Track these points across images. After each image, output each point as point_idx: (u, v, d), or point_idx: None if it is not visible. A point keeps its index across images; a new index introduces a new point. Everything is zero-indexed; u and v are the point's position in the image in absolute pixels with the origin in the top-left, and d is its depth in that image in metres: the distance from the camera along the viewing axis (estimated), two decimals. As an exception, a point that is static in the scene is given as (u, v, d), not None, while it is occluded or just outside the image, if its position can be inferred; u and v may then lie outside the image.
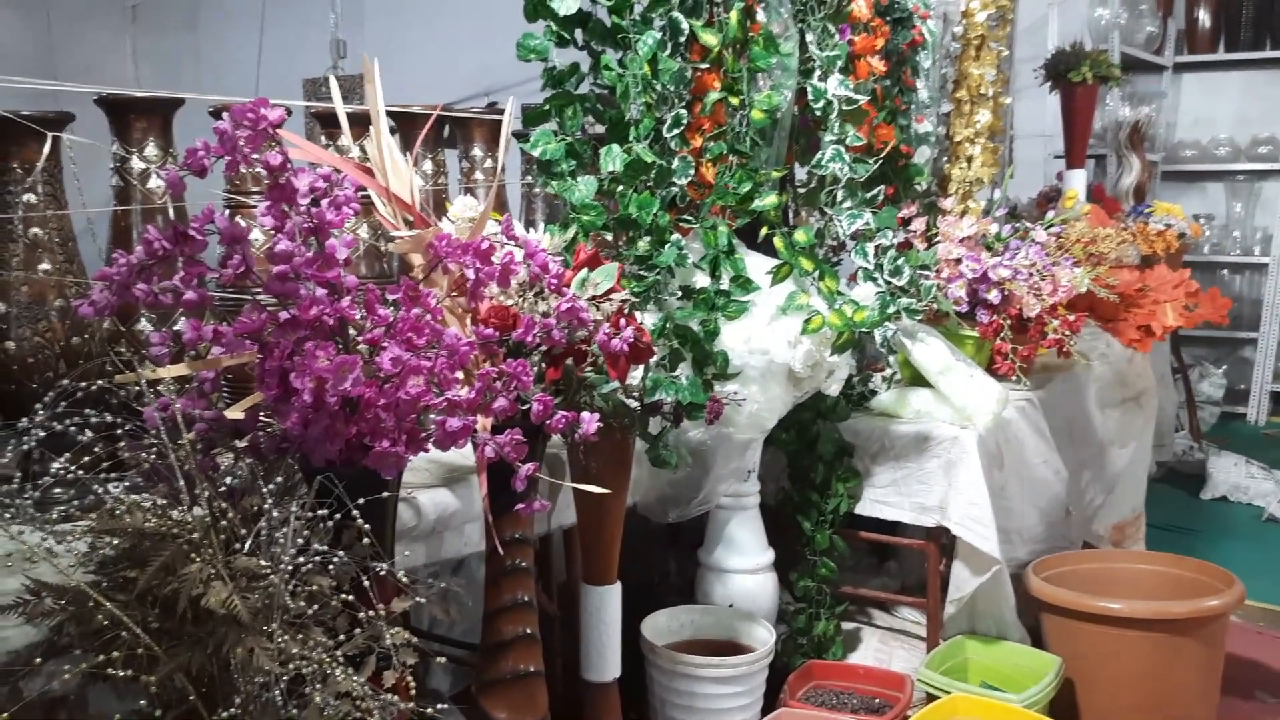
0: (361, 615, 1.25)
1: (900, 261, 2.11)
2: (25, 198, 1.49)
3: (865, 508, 2.29)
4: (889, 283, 2.09)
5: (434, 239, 1.30)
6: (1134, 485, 3.11)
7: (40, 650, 1.16)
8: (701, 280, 1.92)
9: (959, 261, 2.46)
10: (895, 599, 2.48)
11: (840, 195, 2.14)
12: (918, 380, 2.33)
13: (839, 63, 2.13)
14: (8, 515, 1.17)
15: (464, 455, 1.69)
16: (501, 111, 2.38)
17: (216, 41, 6.27)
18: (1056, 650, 2.22)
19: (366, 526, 1.19)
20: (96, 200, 1.68)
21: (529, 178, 2.40)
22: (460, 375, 1.22)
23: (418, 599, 1.31)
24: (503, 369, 1.25)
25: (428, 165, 2.11)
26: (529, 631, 1.55)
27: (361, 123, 1.81)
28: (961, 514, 2.16)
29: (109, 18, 6.72)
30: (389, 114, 1.88)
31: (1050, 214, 3.08)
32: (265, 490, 1.25)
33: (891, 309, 2.01)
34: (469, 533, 1.73)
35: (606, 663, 1.80)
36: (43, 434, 1.25)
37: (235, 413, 1.37)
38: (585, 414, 1.27)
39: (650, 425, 1.72)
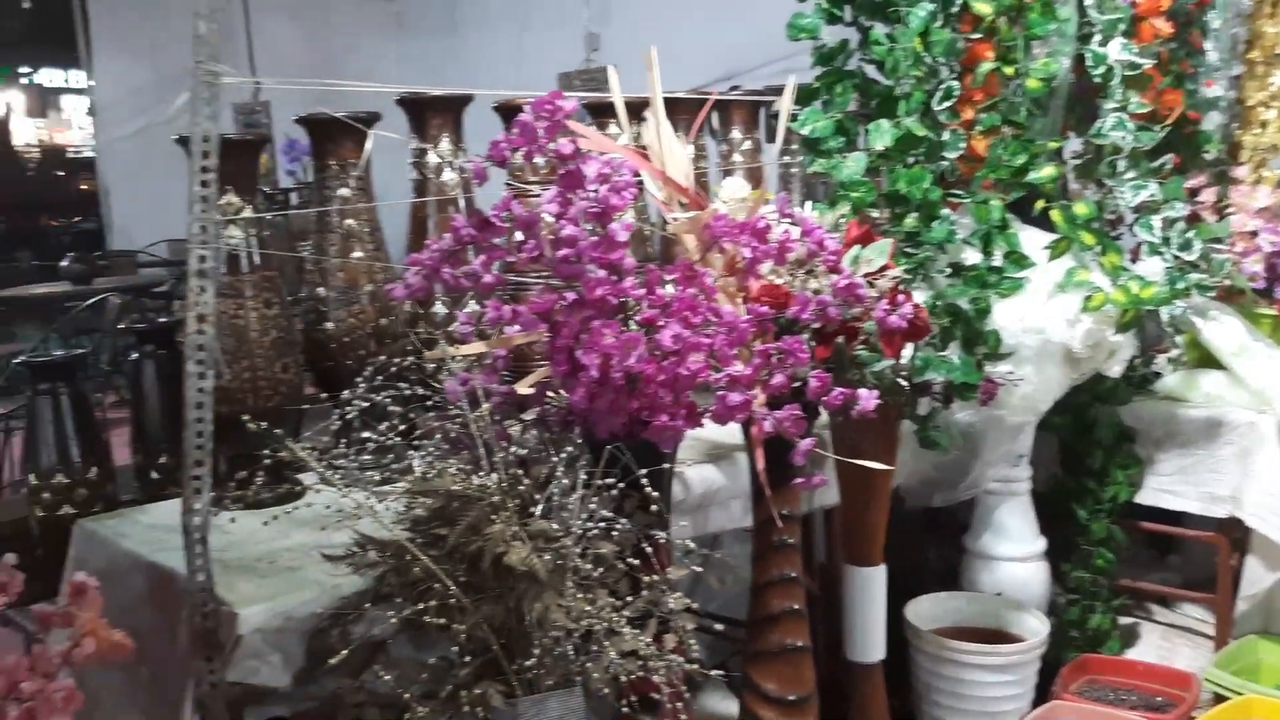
0: (645, 580, 1.31)
1: (1190, 235, 1.97)
2: (341, 192, 1.65)
3: (1146, 497, 2.16)
4: (1177, 257, 1.97)
5: (711, 219, 1.34)
6: None
7: (367, 598, 1.29)
8: (972, 256, 1.87)
9: (1255, 234, 2.27)
10: (1179, 594, 2.32)
11: (1122, 166, 2.03)
12: (1206, 361, 2.18)
13: (1121, 26, 2.01)
14: (336, 476, 1.30)
15: (728, 432, 1.72)
16: (754, 93, 2.41)
17: (475, 42, 6.61)
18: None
19: (655, 494, 1.24)
20: (394, 193, 1.83)
21: (786, 157, 2.41)
22: (737, 352, 1.25)
23: (695, 568, 1.36)
24: (780, 345, 1.27)
25: (689, 150, 2.16)
26: (796, 607, 1.57)
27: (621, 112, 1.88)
28: (1257, 505, 2.01)
29: (378, 25, 7.22)
30: (646, 101, 1.94)
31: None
32: (555, 459, 1.34)
33: (1182, 285, 1.89)
34: (733, 508, 1.76)
35: (872, 644, 1.79)
36: (363, 405, 1.39)
37: (525, 388, 1.47)
38: (863, 391, 1.27)
39: (919, 405, 1.69)
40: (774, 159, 2.33)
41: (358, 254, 1.66)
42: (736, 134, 2.20)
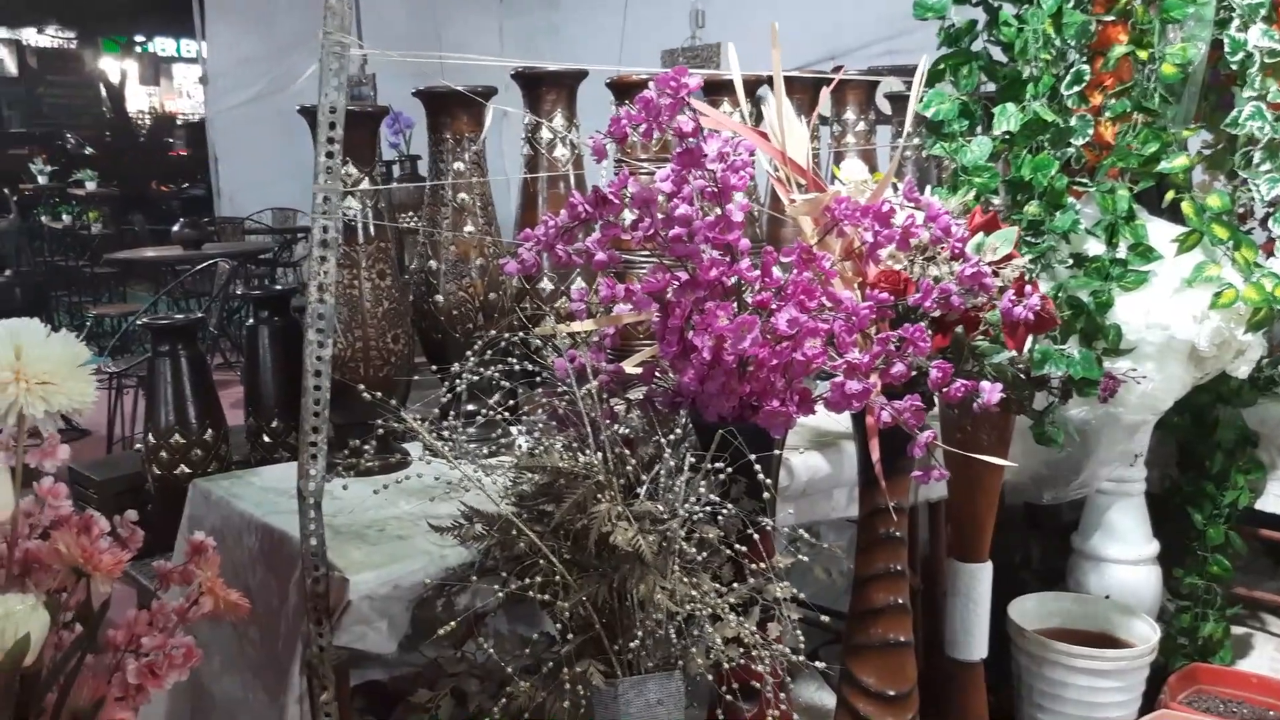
0: (752, 567, 1.29)
1: (1330, 231, 1.87)
2: (455, 165, 1.65)
3: (1267, 503, 2.07)
4: (1315, 255, 1.86)
5: (832, 202, 1.31)
6: None
7: (471, 570, 1.30)
8: (1095, 248, 1.80)
9: (1399, 232, 2.14)
10: (1298, 607, 2.23)
11: (1258, 158, 1.92)
12: (1340, 366, 2.07)
13: (1262, 11, 1.91)
14: (445, 448, 1.31)
15: (834, 420, 1.70)
16: (864, 74, 2.36)
17: (578, 18, 6.60)
18: None
19: (767, 481, 1.22)
20: (503, 168, 1.83)
21: (899, 140, 2.35)
22: (855, 339, 1.22)
23: (802, 557, 1.34)
24: (901, 334, 1.24)
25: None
26: (900, 601, 1.53)
27: (726, 91, 1.86)
28: (1390, 519, 1.91)
29: (481, 1, 7.26)
30: (756, 80, 1.91)
31: None
32: (663, 440, 1.32)
33: (1319, 284, 1.79)
34: (836, 497, 1.73)
35: (974, 642, 1.75)
36: (473, 378, 1.40)
37: (632, 367, 1.46)
38: (986, 383, 1.23)
39: (1035, 400, 1.64)
40: (887, 141, 2.28)
41: (469, 228, 1.66)
42: (850, 115, 2.15)
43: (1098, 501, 2.00)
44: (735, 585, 1.27)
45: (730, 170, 1.28)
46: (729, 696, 1.23)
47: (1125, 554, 1.97)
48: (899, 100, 2.28)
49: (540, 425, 1.37)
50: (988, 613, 1.75)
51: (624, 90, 1.82)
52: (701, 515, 1.27)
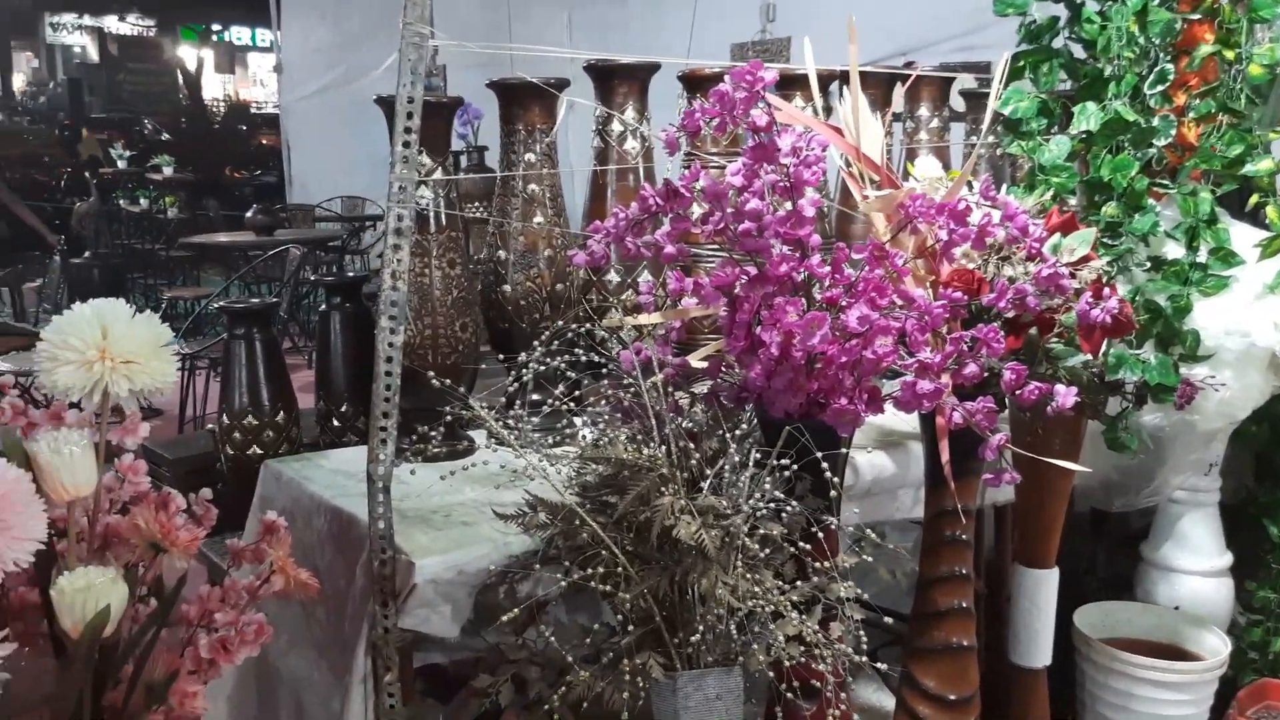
0: (817, 565, 1.29)
1: None
2: (527, 157, 1.66)
3: (1347, 518, 2.01)
4: (1406, 263, 1.80)
5: (907, 199, 1.29)
6: None
7: (534, 558, 1.31)
8: (1173, 251, 1.76)
9: None
10: (1376, 626, 2.16)
11: (1348, 161, 1.87)
12: None
13: (1358, 8, 1.85)
14: (512, 437, 1.32)
15: (901, 419, 1.68)
16: (938, 70, 2.32)
17: (646, 10, 6.59)
18: None
19: (835, 480, 1.21)
20: (572, 160, 1.84)
21: (973, 138, 2.32)
22: (928, 338, 1.21)
23: (866, 557, 1.33)
24: (975, 334, 1.22)
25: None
26: (964, 605, 1.51)
27: (798, 85, 1.84)
28: None
29: (550, -7, 7.27)
30: (829, 75, 1.89)
31: None
32: (728, 435, 1.32)
33: None
34: (902, 498, 1.72)
35: (1038, 649, 1.73)
36: (539, 368, 1.41)
37: (698, 361, 1.46)
38: (1061, 387, 1.21)
39: (1109, 405, 1.61)
40: (960, 138, 2.25)
41: (538, 219, 1.67)
42: (924, 111, 2.12)
43: (1170, 510, 1.95)
44: (798, 583, 1.26)
45: (803, 165, 1.27)
46: (790, 695, 1.23)
47: (1197, 565, 1.93)
48: (973, 97, 2.24)
49: (605, 417, 1.38)
50: (1053, 619, 1.72)
51: (696, 83, 1.82)
52: (765, 512, 1.26)
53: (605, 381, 1.44)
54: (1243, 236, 1.78)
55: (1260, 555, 2.01)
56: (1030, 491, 1.71)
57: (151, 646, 1.01)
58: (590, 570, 1.24)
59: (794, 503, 1.28)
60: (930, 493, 1.52)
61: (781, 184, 1.28)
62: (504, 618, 1.22)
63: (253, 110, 15.46)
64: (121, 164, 8.57)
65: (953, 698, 1.51)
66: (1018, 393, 1.21)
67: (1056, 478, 1.64)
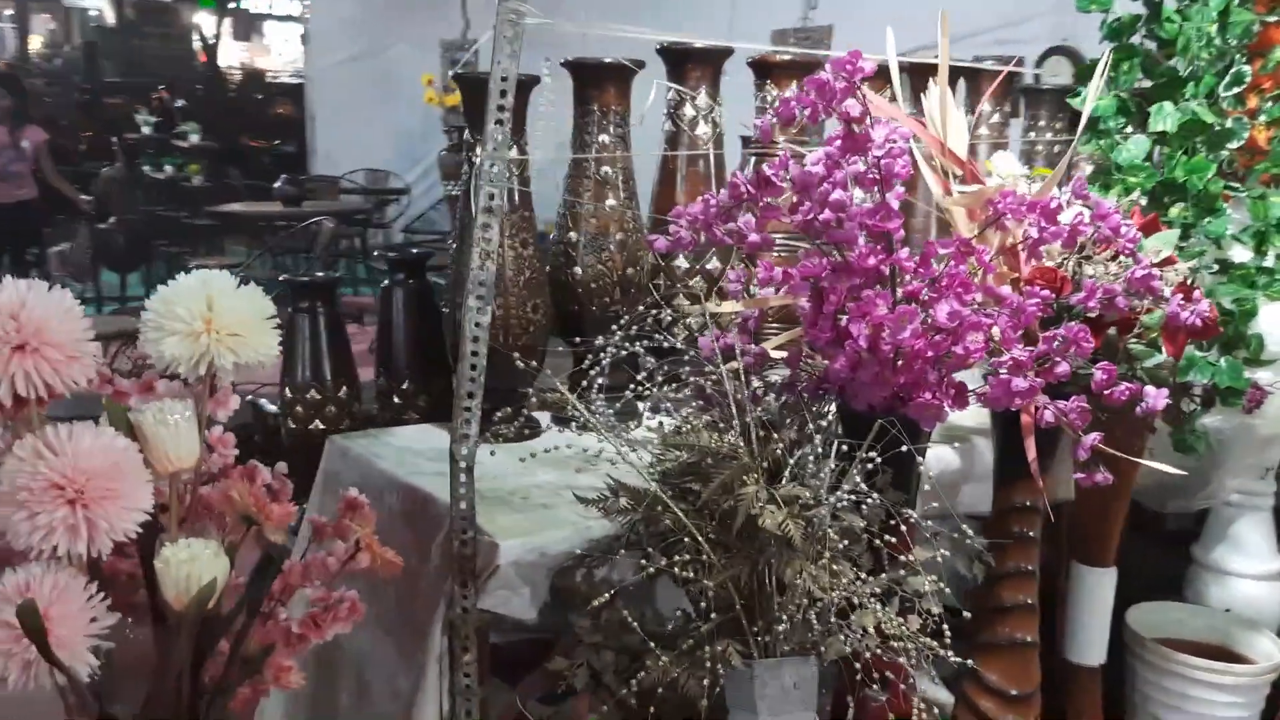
0: (898, 558, 1.29)
1: None
2: (601, 138, 1.65)
3: (1399, 526, 2.01)
4: None
5: (997, 195, 1.29)
6: None
7: (612, 543, 1.31)
8: (1239, 254, 1.75)
9: None
10: None
11: None
12: None
13: None
14: (596, 418, 1.32)
15: (964, 414, 1.68)
16: (1007, 62, 2.30)
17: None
18: None
19: (928, 473, 1.21)
20: (647, 144, 1.82)
21: (1031, 134, 2.31)
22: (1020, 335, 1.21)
23: (943, 551, 1.33)
24: (1064, 333, 1.22)
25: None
26: (1030, 601, 1.52)
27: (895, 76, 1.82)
28: None
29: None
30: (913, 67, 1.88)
31: None
32: (809, 426, 1.32)
33: None
34: (966, 493, 1.71)
35: (1094, 647, 1.73)
36: (619, 352, 1.41)
37: (775, 350, 1.45)
38: (1150, 389, 1.21)
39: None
40: (1020, 134, 2.24)
41: (611, 201, 1.67)
42: (987, 106, 2.11)
43: (1223, 514, 1.95)
44: (882, 575, 1.26)
45: (892, 158, 1.26)
46: (872, 685, 1.23)
47: (1250, 568, 1.93)
48: (1033, 93, 2.23)
49: (686, 404, 1.38)
50: (1109, 618, 1.72)
51: (766, 70, 1.81)
52: (846, 503, 1.26)
53: (685, 368, 1.44)
54: (1312, 241, 1.77)
55: (1310, 560, 2.00)
56: (1093, 491, 1.71)
57: (252, 620, 1.01)
58: (674, 557, 1.24)
59: (876, 495, 1.28)
60: (999, 488, 1.52)
61: (870, 176, 1.27)
62: (596, 602, 1.22)
63: (268, 79, 15.36)
64: (147, 130, 8.55)
65: (1015, 693, 1.52)
66: (1106, 393, 1.21)
67: (1121, 477, 1.64)
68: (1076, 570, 1.72)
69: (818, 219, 1.30)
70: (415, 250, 1.85)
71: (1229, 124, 1.69)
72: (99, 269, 5.84)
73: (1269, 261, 1.74)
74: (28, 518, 0.87)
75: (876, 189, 1.27)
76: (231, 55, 16.95)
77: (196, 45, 15.66)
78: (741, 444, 1.29)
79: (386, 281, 1.80)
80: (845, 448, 1.30)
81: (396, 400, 1.77)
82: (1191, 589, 1.99)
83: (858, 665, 1.26)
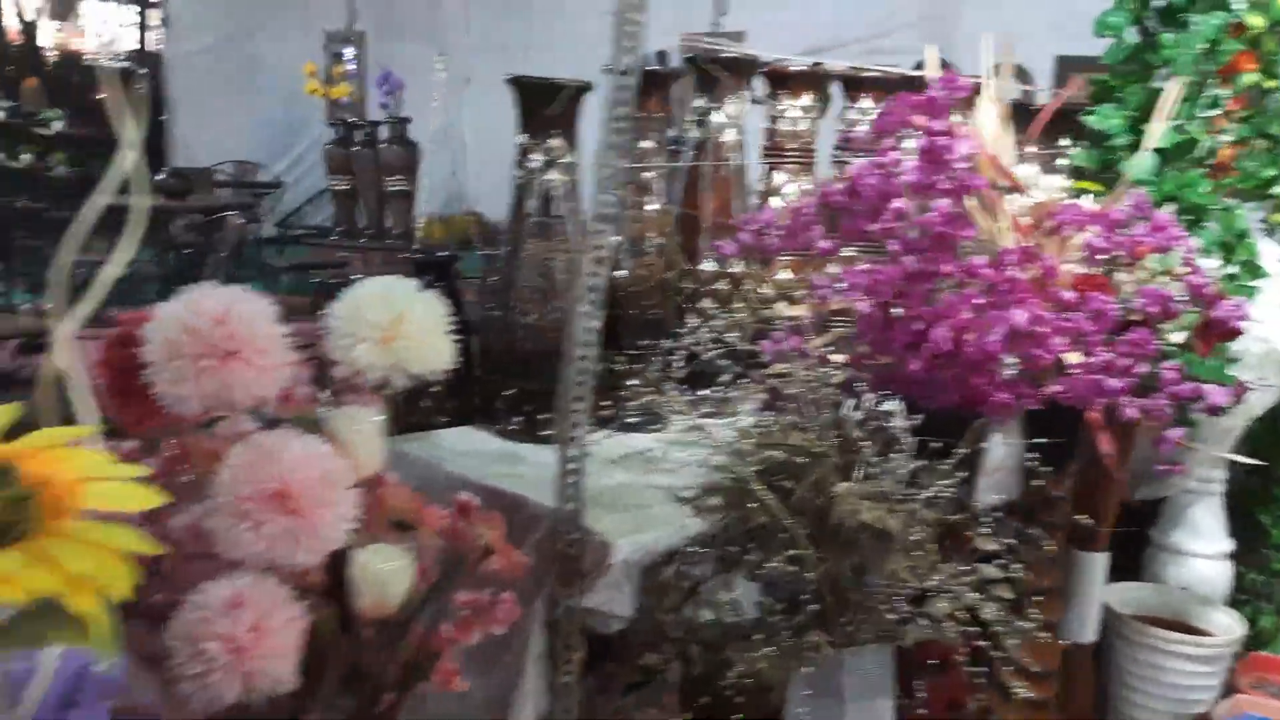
0: (974, 549, 1.38)
1: None
2: (642, 143, 1.68)
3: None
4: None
5: (1058, 207, 1.39)
6: None
7: (713, 541, 1.35)
8: (1206, 263, 1.93)
9: None
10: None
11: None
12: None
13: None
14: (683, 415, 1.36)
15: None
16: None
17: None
18: None
19: (1043, 467, 1.30)
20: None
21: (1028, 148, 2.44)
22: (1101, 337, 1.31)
23: (1007, 541, 1.43)
24: (1130, 338, 1.32)
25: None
26: (1055, 587, 1.64)
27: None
28: None
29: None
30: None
31: None
32: (890, 426, 1.39)
33: None
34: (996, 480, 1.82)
35: (1087, 627, 1.87)
36: (685, 355, 1.45)
37: (823, 346, 1.52)
38: (1210, 387, 1.33)
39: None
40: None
41: (651, 206, 1.70)
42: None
43: (1180, 499, 2.13)
44: (975, 564, 1.35)
45: (971, 171, 1.35)
46: (966, 670, 1.31)
47: (1204, 549, 2.11)
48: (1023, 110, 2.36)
49: (755, 404, 1.43)
50: (1100, 598, 1.86)
51: (780, 79, 1.87)
52: (933, 499, 1.34)
53: (742, 369, 1.49)
54: (1269, 252, 1.96)
55: (1252, 541, 2.21)
56: (1088, 478, 1.85)
57: (435, 624, 1.01)
58: (774, 554, 1.29)
59: (949, 490, 1.36)
60: (1032, 481, 1.62)
61: (948, 187, 1.35)
62: (700, 593, 1.26)
63: (85, 62, 14.30)
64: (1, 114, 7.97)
65: (1037, 670, 1.63)
66: (1175, 390, 1.33)
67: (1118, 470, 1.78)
68: (1073, 555, 1.85)
69: (897, 227, 1.37)
70: (443, 253, 1.84)
71: (1207, 143, 1.85)
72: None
73: (1233, 269, 1.91)
74: (252, 528, 0.85)
75: (949, 199, 1.35)
76: (46, 36, 15.68)
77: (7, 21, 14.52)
78: (829, 443, 1.35)
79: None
80: (916, 444, 1.38)
81: (424, 404, 1.76)
82: (1149, 569, 2.16)
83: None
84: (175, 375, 0.84)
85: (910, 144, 1.39)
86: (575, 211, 1.61)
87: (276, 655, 0.87)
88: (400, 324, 0.97)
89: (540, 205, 1.59)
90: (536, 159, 1.57)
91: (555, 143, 1.56)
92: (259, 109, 8.23)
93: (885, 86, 1.96)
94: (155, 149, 8.86)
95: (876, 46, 5.10)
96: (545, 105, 1.56)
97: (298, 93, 7.22)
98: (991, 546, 1.41)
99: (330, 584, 0.97)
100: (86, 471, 0.59)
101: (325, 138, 6.09)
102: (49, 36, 15.94)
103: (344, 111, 6.76)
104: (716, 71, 1.77)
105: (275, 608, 0.88)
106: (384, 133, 5.83)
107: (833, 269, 1.51)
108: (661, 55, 3.08)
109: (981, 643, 1.35)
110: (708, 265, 1.80)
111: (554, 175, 1.57)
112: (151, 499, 0.60)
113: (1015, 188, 1.52)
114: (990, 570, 1.38)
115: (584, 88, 1.59)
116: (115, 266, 0.75)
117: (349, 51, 7.10)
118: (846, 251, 1.60)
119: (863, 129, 1.95)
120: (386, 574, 0.94)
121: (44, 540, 0.53)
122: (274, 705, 0.87)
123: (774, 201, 1.88)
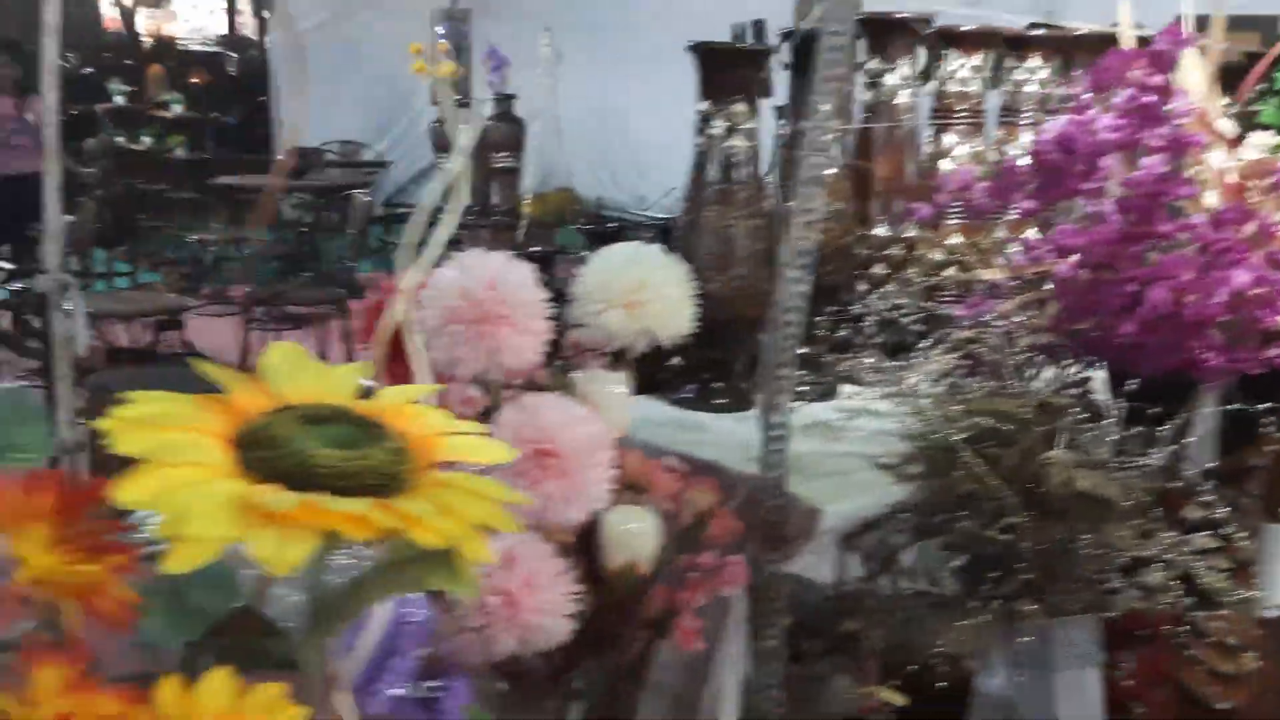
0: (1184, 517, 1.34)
1: None
2: (822, 107, 1.65)
3: None
4: None
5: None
6: None
7: (917, 509, 1.33)
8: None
9: None
10: None
11: None
12: None
13: None
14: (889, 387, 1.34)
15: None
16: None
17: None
18: None
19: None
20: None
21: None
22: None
23: (1221, 510, 1.38)
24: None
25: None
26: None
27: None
28: None
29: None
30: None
31: None
32: (1093, 391, 1.36)
33: None
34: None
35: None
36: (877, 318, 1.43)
37: (1026, 315, 1.48)
38: None
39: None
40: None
41: (829, 171, 1.67)
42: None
43: None
44: (1191, 535, 1.31)
45: (1185, 129, 1.30)
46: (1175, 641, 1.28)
47: None
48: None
49: (968, 367, 1.41)
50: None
51: (951, 39, 1.83)
52: (1146, 466, 1.30)
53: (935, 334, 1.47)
54: None
55: None
56: None
57: (675, 584, 1.01)
58: (987, 521, 1.27)
59: (1164, 457, 1.32)
60: (1229, 450, 1.57)
61: (1159, 144, 1.31)
62: (894, 560, 1.25)
63: (178, 47, 14.62)
64: (120, 100, 8.21)
65: (1235, 643, 1.59)
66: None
67: None
68: (1267, 529, 1.79)
69: (1106, 186, 1.33)
70: (610, 225, 1.84)
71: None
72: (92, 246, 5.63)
73: None
74: (529, 486, 0.86)
75: (1166, 158, 1.31)
76: (142, 22, 16.04)
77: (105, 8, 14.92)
78: (1034, 408, 1.32)
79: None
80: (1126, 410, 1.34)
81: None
82: None
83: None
84: (452, 339, 0.85)
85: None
86: (754, 177, 1.59)
87: (547, 609, 0.88)
88: (645, 289, 0.97)
89: (721, 172, 1.57)
90: (718, 125, 1.55)
91: (739, 108, 1.54)
92: (358, 89, 8.35)
93: (1055, 45, 1.90)
94: (255, 131, 9.06)
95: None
96: (727, 71, 1.54)
97: (393, 73, 7.30)
98: (1201, 515, 1.37)
99: (579, 543, 0.98)
100: (439, 427, 0.59)
101: (427, 116, 6.15)
102: (143, 23, 16.37)
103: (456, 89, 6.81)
104: (889, 32, 1.74)
105: (544, 563, 0.89)
106: (489, 109, 5.89)
107: (1031, 232, 1.47)
108: (758, 25, 3.02)
109: (1194, 613, 1.30)
110: (879, 230, 1.78)
111: (736, 141, 1.55)
112: (502, 453, 0.60)
113: (1230, 144, 1.46)
114: (1203, 540, 1.33)
115: (767, 51, 1.57)
116: (445, 229, 0.75)
117: (453, 29, 7.16)
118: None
119: (1031, 89, 1.90)
120: (636, 534, 0.94)
121: (431, 490, 0.53)
122: (548, 658, 0.88)
123: (943, 165, 1.84)
